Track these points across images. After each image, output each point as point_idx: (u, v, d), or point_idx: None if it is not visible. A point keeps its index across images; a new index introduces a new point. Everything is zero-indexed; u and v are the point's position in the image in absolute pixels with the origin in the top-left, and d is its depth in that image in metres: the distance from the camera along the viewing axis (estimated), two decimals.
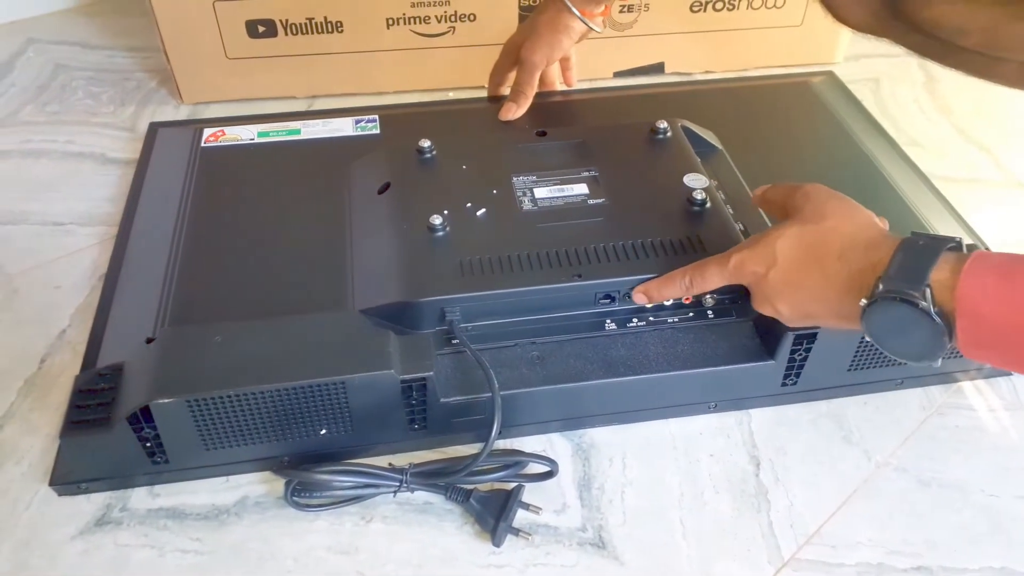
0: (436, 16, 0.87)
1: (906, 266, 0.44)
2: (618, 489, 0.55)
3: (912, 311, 0.43)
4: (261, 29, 0.85)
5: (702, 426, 0.59)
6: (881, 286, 0.44)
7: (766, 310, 0.52)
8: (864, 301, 0.45)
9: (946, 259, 0.43)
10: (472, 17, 0.87)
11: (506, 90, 0.79)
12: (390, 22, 0.86)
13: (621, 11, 0.88)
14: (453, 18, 0.87)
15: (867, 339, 0.47)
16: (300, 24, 0.85)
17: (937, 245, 0.44)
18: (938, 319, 0.42)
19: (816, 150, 0.77)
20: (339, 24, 0.86)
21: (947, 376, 0.62)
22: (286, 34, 0.86)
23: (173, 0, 0.82)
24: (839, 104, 0.84)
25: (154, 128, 0.79)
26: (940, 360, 0.44)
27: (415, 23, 0.87)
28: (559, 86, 0.82)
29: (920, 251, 0.44)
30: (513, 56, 0.77)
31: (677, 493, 0.55)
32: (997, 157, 0.85)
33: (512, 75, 0.78)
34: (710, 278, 0.53)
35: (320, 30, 0.86)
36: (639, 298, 0.57)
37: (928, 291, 0.42)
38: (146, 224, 0.68)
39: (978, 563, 0.52)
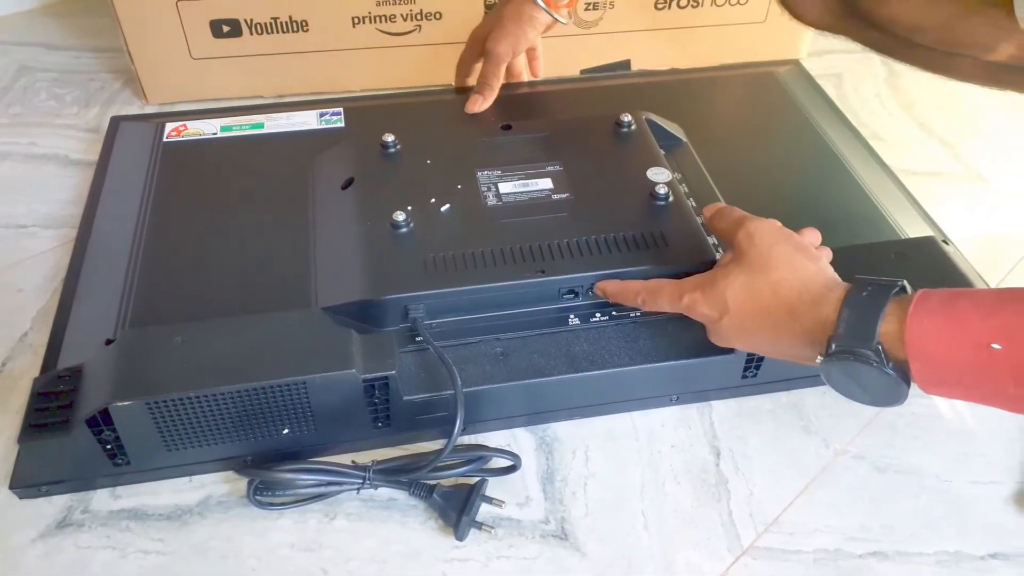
0: (402, 14, 0.87)
1: (853, 324, 0.44)
2: (581, 481, 0.56)
3: (867, 368, 0.44)
4: (226, 29, 0.85)
5: (664, 418, 0.59)
6: (834, 346, 0.45)
7: (722, 345, 0.53)
8: (820, 358, 0.46)
9: (891, 309, 0.44)
10: (438, 15, 0.87)
11: (472, 81, 0.79)
12: (356, 21, 0.86)
13: (587, 9, 0.89)
14: (419, 16, 0.87)
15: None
16: (265, 23, 0.85)
17: (881, 295, 0.44)
18: (892, 372, 0.43)
19: (781, 142, 0.78)
20: (304, 23, 0.86)
21: None
22: (251, 33, 0.86)
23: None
24: (804, 95, 0.84)
25: (115, 122, 0.78)
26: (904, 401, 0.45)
27: (381, 22, 0.87)
28: (526, 77, 0.82)
29: (865, 305, 0.45)
30: (479, 47, 0.77)
31: (639, 484, 0.56)
32: (957, 151, 0.86)
33: (478, 66, 0.78)
34: (661, 304, 0.54)
35: (285, 29, 0.86)
36: (598, 292, 0.57)
37: (880, 347, 0.43)
38: (107, 223, 0.67)
39: (933, 547, 0.53)
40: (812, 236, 0.55)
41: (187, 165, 0.72)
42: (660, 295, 0.54)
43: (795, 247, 0.50)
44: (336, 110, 0.78)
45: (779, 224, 0.53)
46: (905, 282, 0.46)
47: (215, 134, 0.75)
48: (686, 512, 0.54)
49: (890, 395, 0.45)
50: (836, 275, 0.50)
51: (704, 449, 0.58)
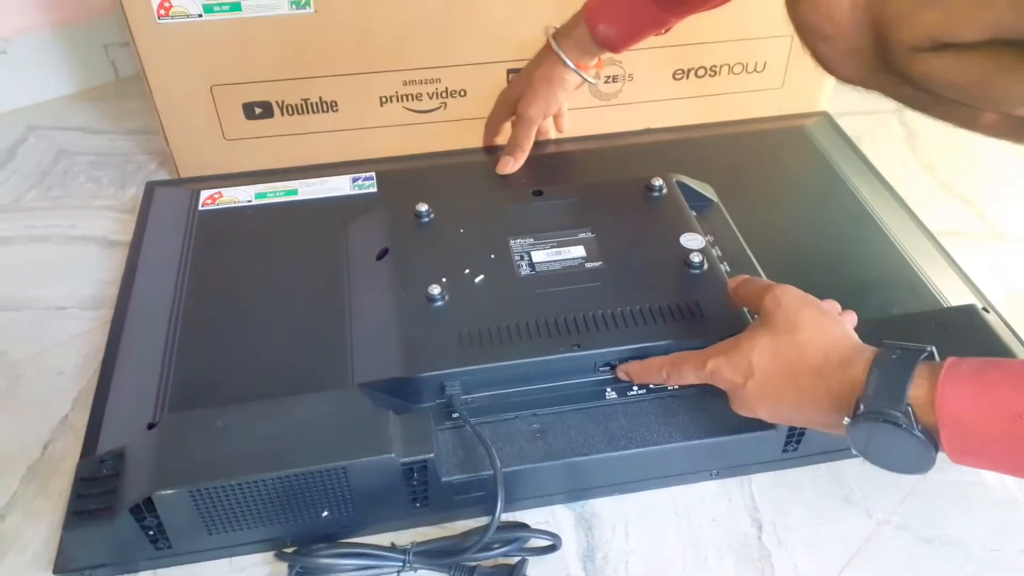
0: (428, 93, 0.89)
1: (883, 386, 0.44)
2: (622, 558, 0.55)
3: (896, 430, 0.44)
4: (258, 111, 0.88)
5: (703, 491, 0.59)
6: (862, 407, 0.45)
7: (745, 413, 0.53)
8: (847, 420, 0.46)
9: (921, 373, 0.44)
10: (463, 93, 0.90)
11: (501, 140, 0.81)
12: (383, 100, 0.89)
13: (606, 81, 0.91)
14: (444, 94, 0.90)
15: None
16: (296, 104, 0.88)
17: (910, 359, 0.45)
18: (922, 435, 0.43)
19: (813, 201, 0.78)
20: (334, 103, 0.88)
21: None
22: (282, 115, 0.88)
23: (171, 85, 0.85)
24: (833, 147, 0.85)
25: (151, 187, 0.81)
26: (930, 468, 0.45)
27: (408, 100, 0.89)
28: (552, 135, 0.84)
29: (894, 367, 0.45)
30: (509, 108, 0.78)
31: (680, 559, 0.55)
32: (980, 209, 0.87)
33: (507, 126, 0.80)
34: (686, 376, 0.54)
35: (315, 110, 0.88)
36: (621, 376, 0.57)
37: (909, 409, 0.43)
38: (143, 301, 0.68)
39: None
40: (832, 306, 0.55)
41: (223, 235, 0.73)
42: (683, 366, 0.54)
43: (820, 311, 0.51)
44: (368, 175, 0.80)
45: (802, 291, 0.53)
46: (934, 348, 0.46)
47: (250, 201, 0.77)
48: None
49: (918, 461, 0.44)
50: (861, 341, 0.50)
51: (745, 522, 0.57)
